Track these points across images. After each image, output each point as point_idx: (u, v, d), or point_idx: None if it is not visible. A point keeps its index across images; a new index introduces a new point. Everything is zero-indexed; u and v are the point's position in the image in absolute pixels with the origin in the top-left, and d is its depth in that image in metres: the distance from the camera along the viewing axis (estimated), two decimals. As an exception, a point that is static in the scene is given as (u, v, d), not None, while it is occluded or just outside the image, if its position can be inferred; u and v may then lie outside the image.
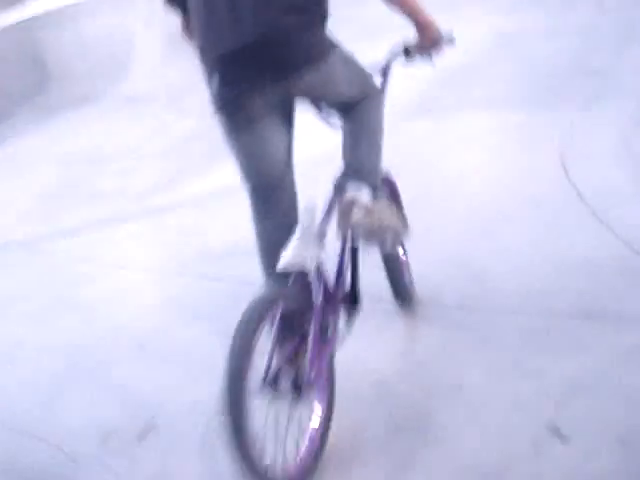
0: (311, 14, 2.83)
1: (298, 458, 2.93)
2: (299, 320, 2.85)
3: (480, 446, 3.33)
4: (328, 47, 2.92)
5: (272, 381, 2.74)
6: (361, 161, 3.10)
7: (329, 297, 3.00)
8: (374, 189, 3.02)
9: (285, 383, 2.78)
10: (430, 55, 3.34)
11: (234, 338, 2.58)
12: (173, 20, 11.10)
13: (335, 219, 2.96)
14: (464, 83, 8.50)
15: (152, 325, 4.93)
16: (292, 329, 2.82)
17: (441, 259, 4.86)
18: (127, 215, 7.16)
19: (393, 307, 4.20)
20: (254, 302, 2.68)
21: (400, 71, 3.70)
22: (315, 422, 3.04)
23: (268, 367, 2.73)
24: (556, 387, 3.60)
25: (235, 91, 2.85)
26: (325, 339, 2.93)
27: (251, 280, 3.44)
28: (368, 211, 2.85)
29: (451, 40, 3.36)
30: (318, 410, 3.05)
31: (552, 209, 5.31)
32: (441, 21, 3.37)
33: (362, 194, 2.91)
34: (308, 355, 2.79)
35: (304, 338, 2.84)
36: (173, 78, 12.37)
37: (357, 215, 2.83)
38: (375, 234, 2.92)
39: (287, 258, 2.74)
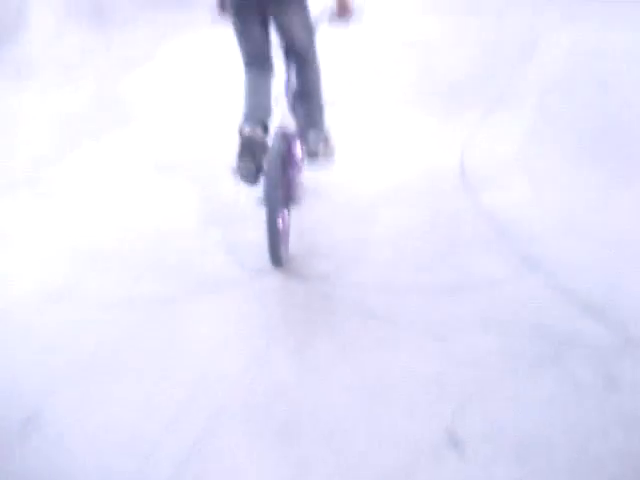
0: None
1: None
2: (287, 157, 4.67)
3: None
4: None
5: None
6: (314, 115, 4.93)
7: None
8: (323, 131, 4.97)
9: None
10: (347, 21, 4.62)
11: (269, 166, 4.36)
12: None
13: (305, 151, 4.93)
14: (370, 86, 8.54)
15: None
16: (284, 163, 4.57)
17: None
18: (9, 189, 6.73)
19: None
20: (275, 147, 4.44)
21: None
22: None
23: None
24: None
25: (243, 5, 4.50)
26: (298, 168, 5.00)
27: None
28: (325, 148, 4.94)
29: (361, 11, 4.69)
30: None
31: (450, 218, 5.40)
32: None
33: (320, 141, 4.87)
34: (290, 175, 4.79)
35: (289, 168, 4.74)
36: (66, 49, 11.87)
37: (321, 152, 4.91)
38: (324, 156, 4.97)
39: (282, 122, 4.67)
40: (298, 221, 5.14)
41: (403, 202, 5.65)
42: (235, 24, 4.65)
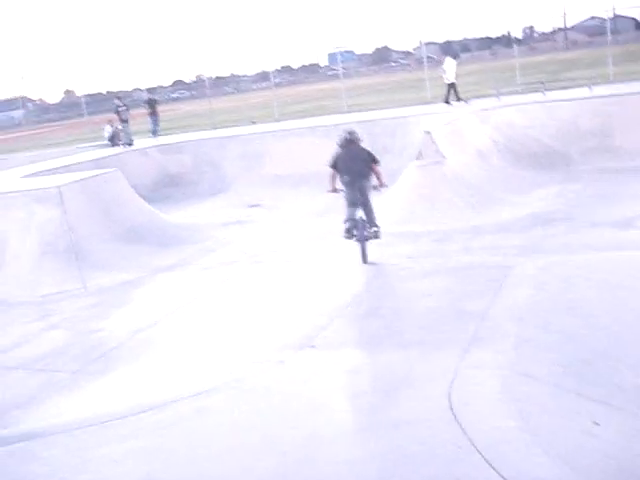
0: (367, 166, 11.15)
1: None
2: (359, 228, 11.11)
3: None
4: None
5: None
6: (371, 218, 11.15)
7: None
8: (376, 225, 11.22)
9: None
10: (382, 190, 11.35)
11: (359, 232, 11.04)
12: (49, 228, 10.90)
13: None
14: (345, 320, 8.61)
15: None
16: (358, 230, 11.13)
17: None
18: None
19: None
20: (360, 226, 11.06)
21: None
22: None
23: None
24: None
25: (349, 182, 11.06)
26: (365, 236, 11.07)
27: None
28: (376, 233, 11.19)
29: (387, 186, 11.68)
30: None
31: (445, 459, 5.18)
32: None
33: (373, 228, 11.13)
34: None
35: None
36: (43, 287, 12.04)
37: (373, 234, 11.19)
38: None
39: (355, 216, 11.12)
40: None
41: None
42: (346, 193, 11.14)
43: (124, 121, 24.80)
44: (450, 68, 22.55)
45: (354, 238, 10.65)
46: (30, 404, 7.74)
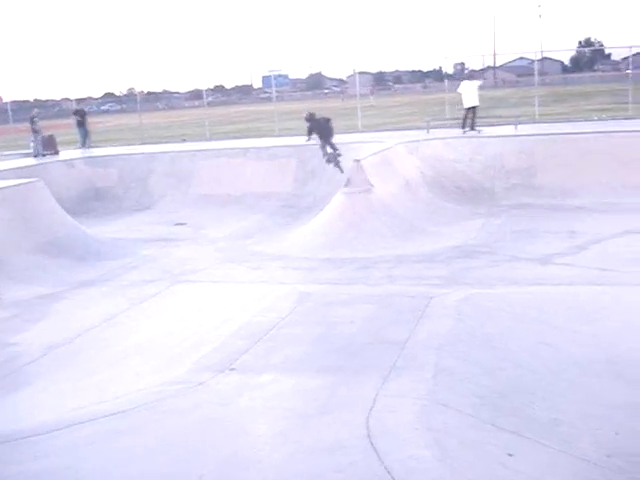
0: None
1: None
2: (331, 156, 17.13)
3: None
4: None
5: None
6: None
7: None
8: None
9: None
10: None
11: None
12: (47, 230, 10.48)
13: None
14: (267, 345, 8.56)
15: None
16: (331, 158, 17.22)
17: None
18: None
19: None
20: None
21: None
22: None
23: None
24: None
25: (320, 137, 17.14)
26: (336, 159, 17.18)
27: None
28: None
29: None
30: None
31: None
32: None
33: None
34: None
35: None
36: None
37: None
38: None
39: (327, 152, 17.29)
40: None
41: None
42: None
43: (36, 132, 24.41)
44: (467, 91, 21.26)
45: (332, 164, 16.60)
46: None
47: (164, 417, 6.63)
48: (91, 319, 10.38)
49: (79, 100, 41.94)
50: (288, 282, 11.42)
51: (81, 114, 26.96)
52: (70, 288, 12.12)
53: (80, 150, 25.59)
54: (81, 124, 26.46)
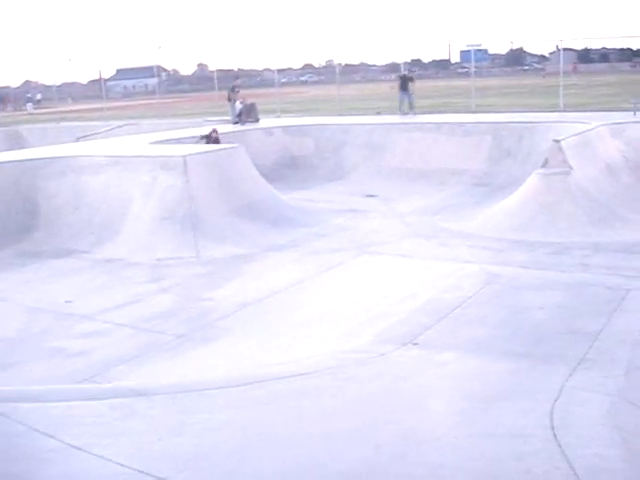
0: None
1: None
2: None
3: None
4: None
5: None
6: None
7: None
8: None
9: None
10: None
11: None
12: (170, 195, 11.36)
13: None
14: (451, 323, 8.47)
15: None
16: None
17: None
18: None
19: None
20: None
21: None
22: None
23: None
24: None
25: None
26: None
27: None
28: None
29: None
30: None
31: (537, 478, 5.00)
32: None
33: None
34: None
35: None
36: (158, 251, 12.43)
37: None
38: None
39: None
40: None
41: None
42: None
43: (234, 100, 25.49)
44: None
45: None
46: (134, 362, 8.02)
47: (345, 384, 6.74)
48: (280, 282, 10.75)
49: (280, 70, 43.15)
50: (476, 261, 11.22)
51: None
52: (262, 251, 12.61)
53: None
54: (404, 88, 26.30)
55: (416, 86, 27.25)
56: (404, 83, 26.67)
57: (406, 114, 25.88)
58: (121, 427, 5.63)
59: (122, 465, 4.92)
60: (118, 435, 5.48)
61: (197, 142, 18.53)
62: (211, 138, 18.86)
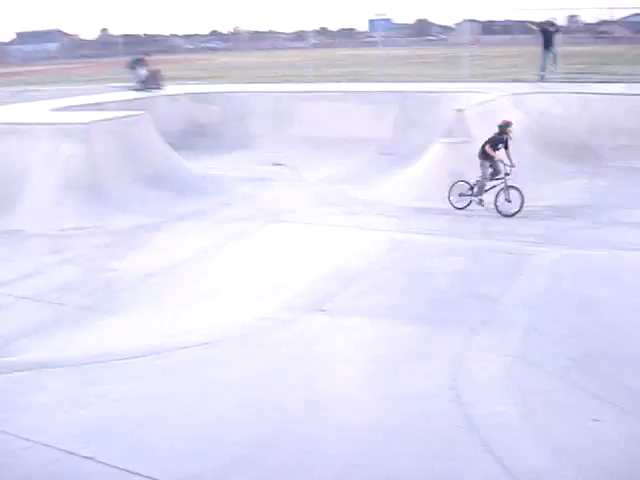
0: None
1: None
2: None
3: None
4: None
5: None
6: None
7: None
8: None
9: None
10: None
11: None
12: (73, 164, 10.99)
13: None
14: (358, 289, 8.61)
15: None
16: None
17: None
18: None
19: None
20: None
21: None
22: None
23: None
24: None
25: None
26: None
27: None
28: None
29: None
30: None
31: (443, 437, 5.19)
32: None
33: None
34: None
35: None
36: (61, 221, 12.09)
37: None
38: None
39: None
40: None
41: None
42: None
43: (133, 68, 24.87)
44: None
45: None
46: (38, 335, 7.82)
47: (252, 351, 6.78)
48: (186, 251, 10.66)
49: (187, 36, 42.31)
50: (382, 229, 11.40)
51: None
52: (168, 220, 12.45)
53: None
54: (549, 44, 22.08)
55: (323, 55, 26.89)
56: (548, 39, 22.25)
57: (550, 73, 22.15)
58: (26, 401, 5.53)
59: (27, 440, 4.84)
60: (23, 409, 5.38)
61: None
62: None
